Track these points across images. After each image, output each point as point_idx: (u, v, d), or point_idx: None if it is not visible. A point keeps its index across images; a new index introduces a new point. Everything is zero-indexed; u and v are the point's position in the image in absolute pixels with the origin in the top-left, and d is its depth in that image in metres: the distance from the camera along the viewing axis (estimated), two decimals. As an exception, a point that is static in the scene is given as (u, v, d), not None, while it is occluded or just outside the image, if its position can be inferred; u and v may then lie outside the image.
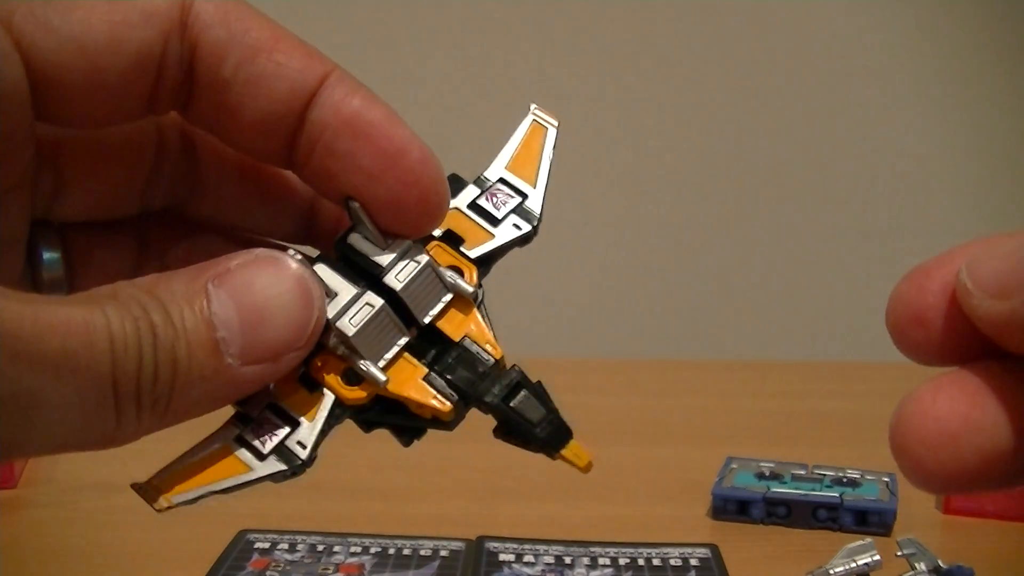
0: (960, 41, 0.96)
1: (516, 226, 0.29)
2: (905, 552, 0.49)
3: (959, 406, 0.21)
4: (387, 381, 0.26)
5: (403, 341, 0.26)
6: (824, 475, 0.60)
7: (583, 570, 0.51)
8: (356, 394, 0.26)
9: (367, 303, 0.26)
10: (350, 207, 0.26)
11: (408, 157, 0.26)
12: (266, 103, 0.25)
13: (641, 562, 0.52)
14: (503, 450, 0.73)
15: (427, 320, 0.27)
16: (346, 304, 0.26)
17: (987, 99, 0.97)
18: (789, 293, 1.00)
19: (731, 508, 0.58)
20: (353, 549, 0.53)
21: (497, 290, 0.94)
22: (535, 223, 0.29)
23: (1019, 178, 0.98)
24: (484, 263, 0.28)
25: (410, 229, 0.27)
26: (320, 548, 0.53)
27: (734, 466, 0.61)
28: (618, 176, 0.98)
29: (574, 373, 0.85)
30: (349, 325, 0.26)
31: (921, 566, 0.48)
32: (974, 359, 0.21)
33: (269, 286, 0.24)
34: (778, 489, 0.58)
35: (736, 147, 0.98)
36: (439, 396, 0.26)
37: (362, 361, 0.26)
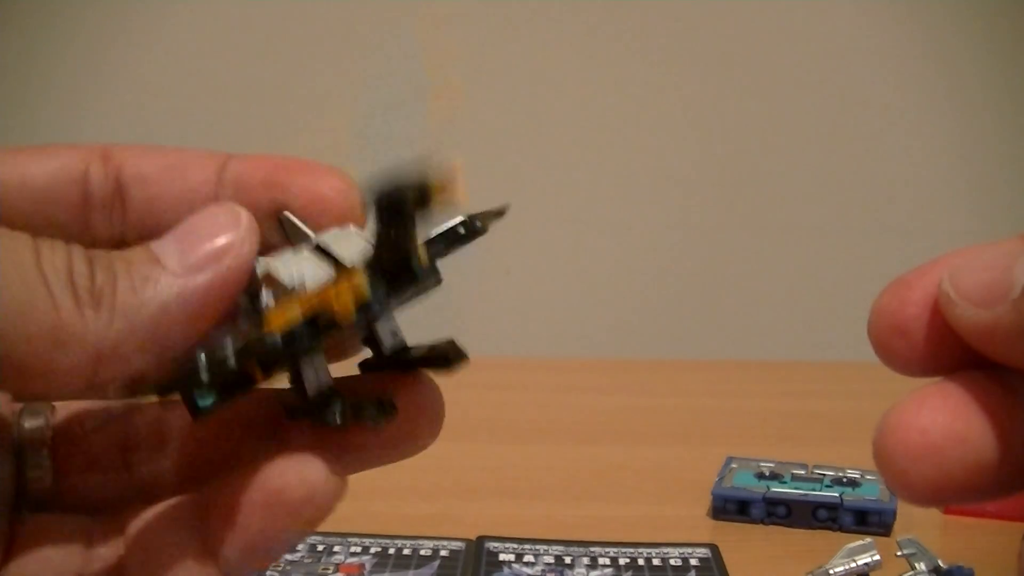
0: (959, 41, 0.96)
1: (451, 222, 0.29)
2: (905, 552, 0.49)
3: (943, 418, 0.20)
4: (301, 286, 0.26)
5: (329, 274, 0.26)
6: (824, 475, 0.60)
7: (583, 570, 0.51)
8: (279, 316, 0.26)
9: (294, 253, 0.27)
10: (282, 219, 0.28)
11: (311, 163, 0.29)
12: (186, 182, 0.29)
13: (641, 562, 0.52)
14: (503, 450, 0.73)
15: (353, 260, 0.26)
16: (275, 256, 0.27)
17: (989, 100, 0.97)
18: (789, 293, 1.00)
19: (731, 508, 0.58)
20: (353, 549, 0.53)
21: (498, 290, 0.94)
22: (475, 221, 0.29)
23: (1020, 179, 0.98)
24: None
25: (333, 213, 0.29)
26: (320, 548, 0.53)
27: (734, 466, 0.61)
28: (617, 176, 0.98)
29: (574, 373, 0.86)
30: (275, 262, 0.26)
31: (921, 566, 0.48)
32: (958, 370, 0.21)
33: (199, 212, 0.27)
34: (778, 489, 0.58)
35: (736, 147, 0.98)
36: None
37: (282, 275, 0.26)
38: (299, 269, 0.27)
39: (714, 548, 0.53)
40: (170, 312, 0.25)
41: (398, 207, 0.26)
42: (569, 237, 0.98)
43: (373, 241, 0.26)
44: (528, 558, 0.52)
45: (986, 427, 0.20)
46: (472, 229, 0.27)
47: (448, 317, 0.98)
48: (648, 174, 0.98)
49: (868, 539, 0.49)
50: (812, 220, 0.99)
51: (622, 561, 0.52)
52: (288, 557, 0.52)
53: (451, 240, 0.27)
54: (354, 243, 0.27)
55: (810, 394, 0.80)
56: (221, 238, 0.26)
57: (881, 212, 0.99)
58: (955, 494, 0.20)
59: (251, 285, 0.26)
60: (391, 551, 0.53)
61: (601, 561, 0.52)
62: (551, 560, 0.52)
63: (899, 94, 0.98)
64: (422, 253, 0.26)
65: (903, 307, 0.22)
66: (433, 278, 0.26)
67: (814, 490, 0.58)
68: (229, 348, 0.25)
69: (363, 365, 0.29)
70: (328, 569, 0.51)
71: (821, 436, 0.72)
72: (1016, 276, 0.20)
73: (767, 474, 0.60)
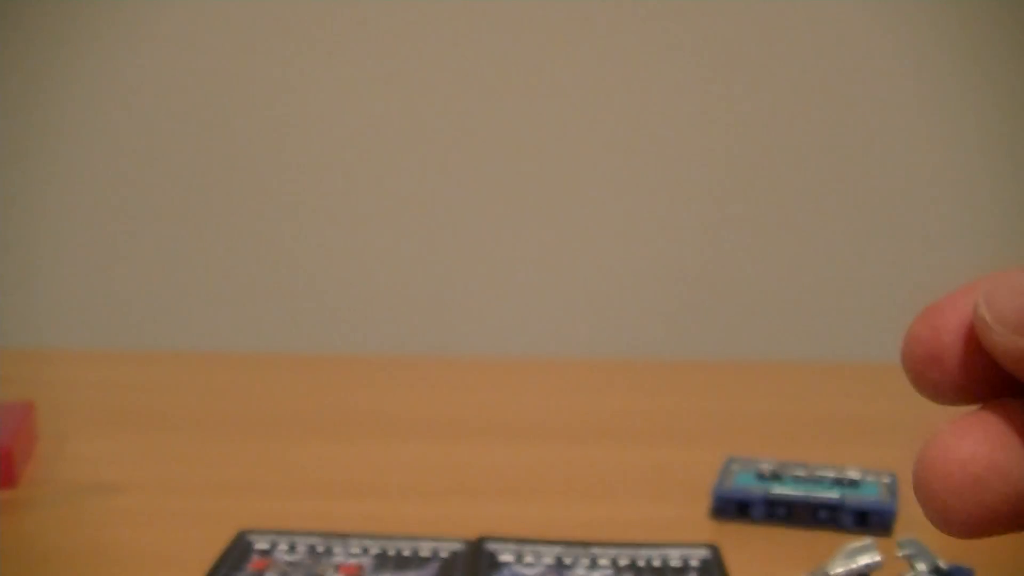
0: (965, 40, 0.96)
1: None
2: (905, 552, 0.48)
3: (983, 449, 0.20)
4: None
5: None
6: (824, 475, 0.60)
7: (583, 571, 0.51)
8: None
9: None
10: None
11: None
12: None
13: (641, 563, 0.52)
14: (503, 450, 0.73)
15: None
16: None
17: (993, 98, 0.97)
18: (789, 293, 1.00)
19: (731, 508, 0.58)
20: (353, 549, 0.53)
21: (498, 290, 0.94)
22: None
23: (1020, 178, 0.98)
24: None
25: None
26: (320, 548, 0.53)
27: (734, 466, 0.61)
28: (618, 175, 0.98)
29: (574, 373, 0.86)
30: None
31: (921, 566, 0.48)
32: (993, 396, 0.21)
33: None
34: (778, 489, 0.58)
35: (735, 147, 0.98)
36: None
37: None
38: None
39: (714, 548, 0.53)
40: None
41: None
42: (569, 236, 0.98)
43: None
44: (528, 559, 0.52)
45: None
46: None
47: (447, 316, 0.98)
48: (648, 173, 0.98)
49: (868, 539, 0.49)
50: (813, 220, 0.99)
51: (622, 562, 0.52)
52: (287, 558, 0.52)
53: None
54: None
55: (810, 394, 0.80)
56: None
57: (883, 212, 0.99)
58: (997, 526, 0.20)
59: None
60: (391, 552, 0.52)
61: (601, 562, 0.52)
62: (551, 561, 0.52)
63: (901, 95, 0.98)
64: None
65: (937, 334, 0.21)
66: None
67: (815, 490, 0.58)
68: None
69: None
70: (328, 570, 0.51)
71: (821, 436, 0.72)
72: None
73: (767, 474, 0.60)
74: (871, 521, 0.56)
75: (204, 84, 0.95)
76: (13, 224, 0.96)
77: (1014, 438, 0.20)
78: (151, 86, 0.95)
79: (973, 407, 0.21)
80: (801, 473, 0.60)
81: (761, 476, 0.60)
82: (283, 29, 0.95)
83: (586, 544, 0.54)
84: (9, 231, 0.96)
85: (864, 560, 0.48)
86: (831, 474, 0.60)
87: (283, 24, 0.95)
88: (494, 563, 0.52)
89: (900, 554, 0.48)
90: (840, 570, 0.48)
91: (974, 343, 0.21)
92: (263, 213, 0.97)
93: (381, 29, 0.95)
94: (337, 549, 0.53)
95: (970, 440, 0.20)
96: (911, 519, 0.57)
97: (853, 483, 0.59)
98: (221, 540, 0.53)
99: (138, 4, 0.95)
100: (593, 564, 0.52)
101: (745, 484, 0.59)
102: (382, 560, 0.52)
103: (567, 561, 0.52)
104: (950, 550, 0.51)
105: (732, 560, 0.52)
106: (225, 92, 0.95)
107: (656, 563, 0.52)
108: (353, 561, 0.52)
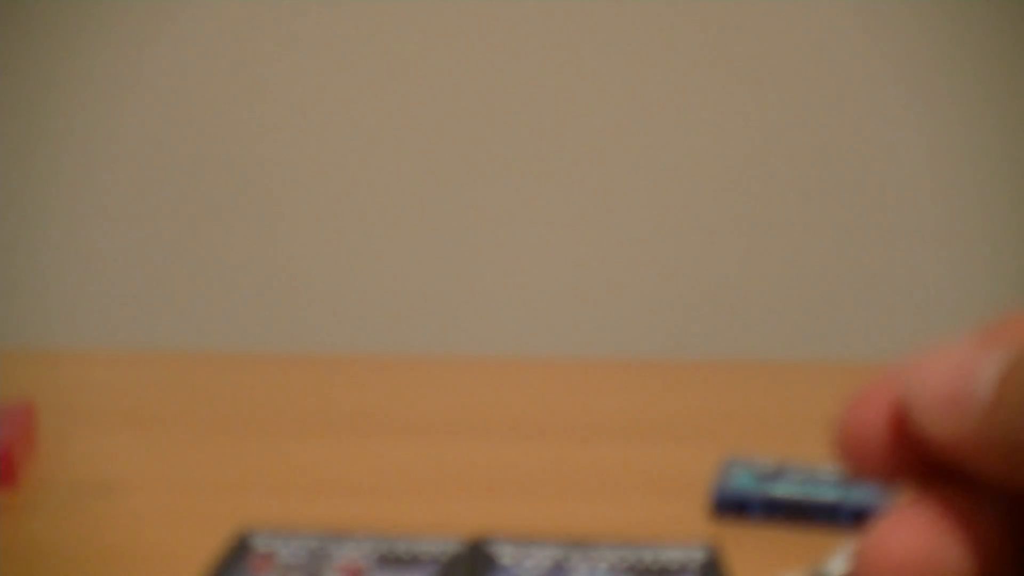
0: (962, 43, 0.96)
1: None
2: (905, 552, 0.48)
3: (917, 545, 0.20)
4: None
5: None
6: (824, 475, 0.60)
7: (583, 571, 0.51)
8: None
9: None
10: None
11: None
12: None
13: (640, 563, 0.52)
14: (503, 450, 0.73)
15: None
16: None
17: (993, 101, 0.97)
18: (790, 293, 1.00)
19: (731, 508, 0.58)
20: (353, 549, 0.53)
21: (498, 290, 0.94)
22: None
23: (1019, 178, 0.98)
24: None
25: None
26: (320, 548, 0.53)
27: (734, 466, 0.61)
28: (616, 175, 0.98)
29: (574, 373, 0.86)
30: None
31: (921, 566, 0.48)
32: (927, 479, 0.21)
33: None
34: (778, 489, 0.58)
35: (734, 147, 0.98)
36: None
37: None
38: None
39: (713, 548, 0.53)
40: None
41: None
42: (568, 236, 0.98)
43: None
44: (528, 559, 0.52)
45: (958, 545, 0.20)
46: None
47: (447, 316, 0.98)
48: (648, 172, 0.98)
49: (868, 539, 0.49)
50: (812, 220, 0.99)
51: (622, 562, 0.52)
52: (287, 558, 0.52)
53: None
54: None
55: (810, 394, 0.80)
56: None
57: (883, 213, 0.99)
58: None
59: None
60: (391, 552, 0.53)
61: (601, 562, 0.52)
62: (551, 561, 0.52)
63: (902, 97, 0.98)
64: None
65: (865, 424, 0.21)
66: None
67: (814, 490, 0.58)
68: None
69: None
70: (328, 570, 0.51)
71: (821, 436, 0.71)
72: (979, 385, 0.20)
73: (767, 474, 0.60)
74: (870, 521, 0.56)
75: (203, 85, 0.95)
76: (13, 224, 0.96)
77: (945, 528, 0.20)
78: (152, 87, 0.95)
79: (909, 492, 0.21)
80: (800, 473, 0.60)
81: (761, 476, 0.60)
82: (282, 28, 0.95)
83: (586, 544, 0.54)
84: (9, 231, 0.96)
85: (864, 560, 0.48)
86: (830, 474, 0.60)
87: (281, 23, 0.95)
88: (494, 563, 0.52)
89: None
90: (840, 570, 0.48)
91: (904, 429, 0.21)
92: (263, 213, 0.97)
93: (380, 26, 0.95)
94: (337, 549, 0.53)
95: (903, 539, 0.20)
96: (911, 519, 0.57)
97: (853, 483, 0.59)
98: (221, 540, 0.53)
99: (141, 6, 0.95)
100: (593, 564, 0.52)
101: (745, 484, 0.59)
102: (382, 560, 0.52)
103: (567, 561, 0.52)
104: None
105: (732, 560, 0.52)
106: (221, 91, 0.95)
107: (655, 563, 0.52)
108: (353, 561, 0.52)
